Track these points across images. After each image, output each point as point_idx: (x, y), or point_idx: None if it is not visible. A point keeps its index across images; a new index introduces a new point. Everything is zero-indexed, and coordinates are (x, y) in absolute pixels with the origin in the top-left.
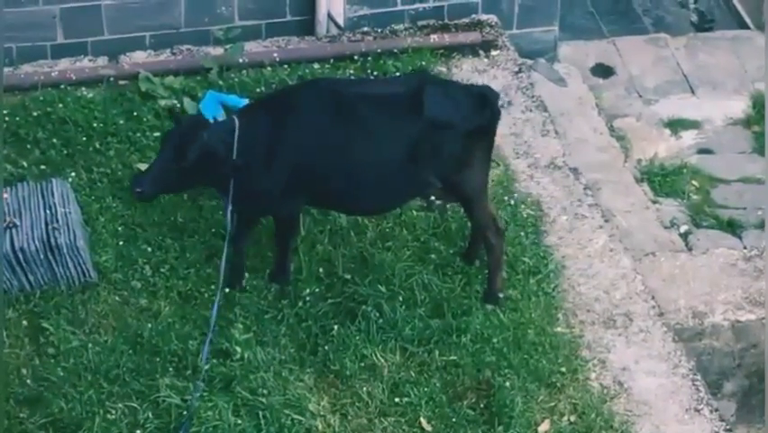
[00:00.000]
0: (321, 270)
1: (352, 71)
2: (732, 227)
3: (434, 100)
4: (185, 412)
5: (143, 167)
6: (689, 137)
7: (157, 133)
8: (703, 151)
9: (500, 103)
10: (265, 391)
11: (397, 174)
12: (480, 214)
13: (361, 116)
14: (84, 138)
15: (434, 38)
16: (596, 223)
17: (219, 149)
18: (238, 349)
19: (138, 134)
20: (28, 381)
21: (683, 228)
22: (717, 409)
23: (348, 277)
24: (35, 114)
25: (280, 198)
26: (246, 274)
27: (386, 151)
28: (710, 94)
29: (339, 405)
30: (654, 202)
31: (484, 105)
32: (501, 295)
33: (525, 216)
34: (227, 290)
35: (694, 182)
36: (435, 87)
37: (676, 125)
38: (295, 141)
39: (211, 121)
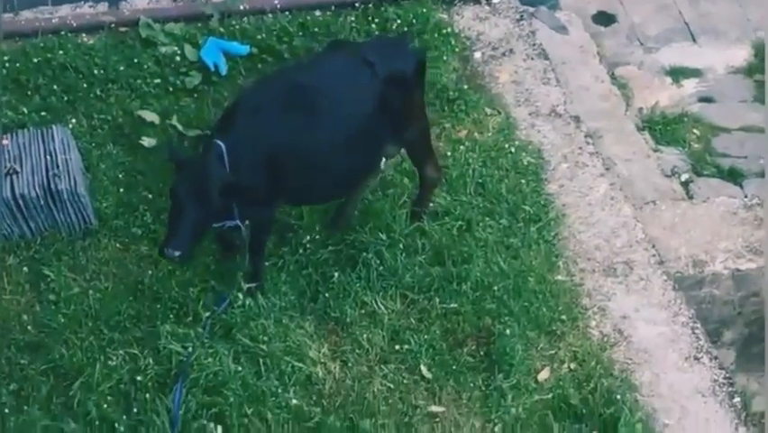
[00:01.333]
0: (321, 218)
1: (353, 19)
2: (733, 176)
3: (377, 57)
4: (185, 359)
5: (144, 114)
6: (690, 85)
7: (158, 80)
8: (704, 99)
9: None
10: (265, 339)
11: (367, 146)
12: (429, 156)
13: (323, 98)
14: (84, 85)
15: None
16: (597, 171)
17: (227, 179)
18: (239, 296)
19: (138, 81)
20: (29, 327)
21: (684, 177)
22: (716, 358)
23: None
24: (36, 60)
25: (264, 201)
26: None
27: (354, 124)
28: (712, 42)
29: (339, 352)
30: (655, 150)
31: (406, 50)
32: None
33: (525, 163)
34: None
35: (695, 131)
36: (371, 48)
37: (677, 74)
38: (270, 142)
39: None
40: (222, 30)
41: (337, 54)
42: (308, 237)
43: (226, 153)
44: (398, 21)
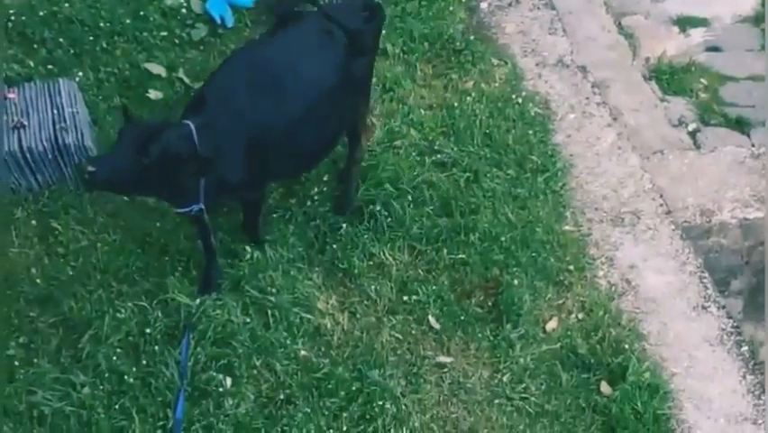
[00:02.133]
0: (329, 169)
1: None
2: (740, 125)
3: (341, 17)
4: (193, 312)
5: (151, 66)
6: (697, 35)
7: (164, 33)
8: (712, 48)
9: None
10: (273, 290)
11: (338, 104)
12: (366, 115)
13: (290, 70)
14: (91, 38)
15: None
16: (604, 121)
17: (182, 149)
18: (247, 249)
19: (145, 34)
20: (38, 280)
21: (691, 126)
22: (724, 307)
23: None
24: (41, 13)
25: (250, 181)
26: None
27: (323, 88)
28: None
29: (347, 303)
30: (663, 100)
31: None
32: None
33: (532, 114)
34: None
35: (702, 80)
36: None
37: (685, 23)
38: (246, 121)
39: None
40: None
41: (299, 24)
42: (316, 189)
43: (196, 134)
44: None
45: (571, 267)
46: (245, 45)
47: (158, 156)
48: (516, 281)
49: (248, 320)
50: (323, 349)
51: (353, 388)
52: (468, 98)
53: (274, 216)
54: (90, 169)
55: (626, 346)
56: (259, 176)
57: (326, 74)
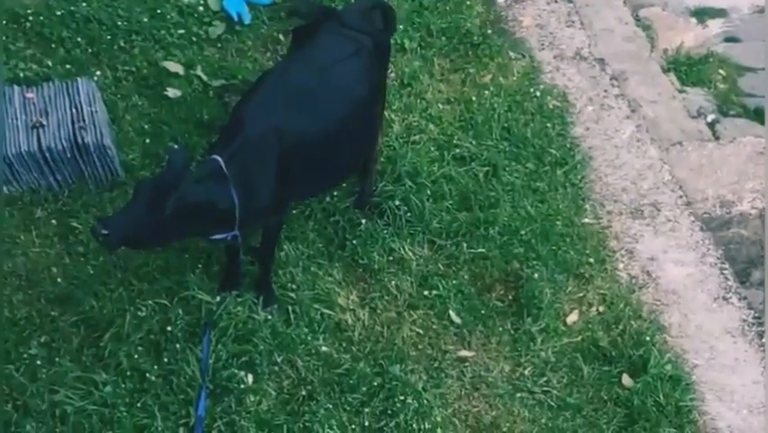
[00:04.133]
0: None
1: None
2: (759, 116)
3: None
4: (214, 309)
5: (169, 65)
6: (715, 26)
7: (181, 30)
8: (730, 39)
9: None
10: (294, 286)
11: (365, 120)
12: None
13: (324, 87)
14: (108, 36)
15: None
16: (622, 113)
17: (200, 199)
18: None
19: (162, 32)
20: (59, 279)
21: (710, 117)
22: (745, 298)
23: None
24: (59, 13)
25: (279, 203)
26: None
27: (352, 108)
28: None
29: (368, 299)
30: (681, 91)
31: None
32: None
33: (551, 107)
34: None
35: (721, 71)
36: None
37: (702, 14)
38: (280, 141)
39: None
40: None
41: (320, 36)
42: None
43: (225, 167)
44: None
45: (592, 260)
46: (273, 69)
47: (175, 210)
48: (536, 275)
49: (269, 317)
50: (344, 345)
51: (375, 383)
52: (486, 92)
53: (294, 212)
54: (103, 232)
55: (647, 339)
56: (288, 197)
57: (355, 85)
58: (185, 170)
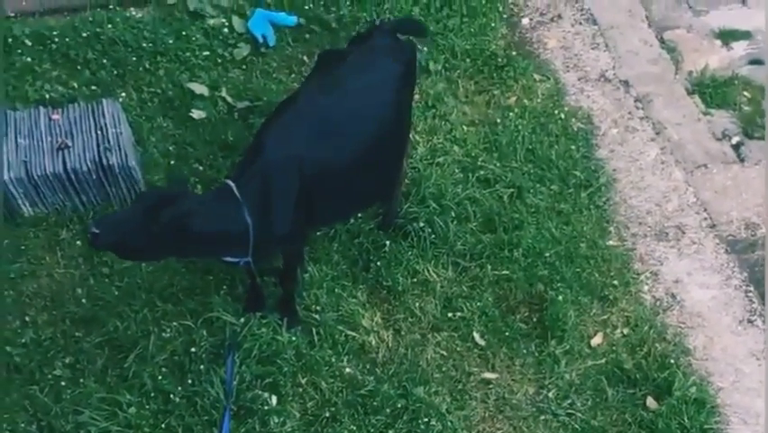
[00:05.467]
0: None
1: None
2: None
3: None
4: (239, 330)
5: (194, 86)
6: (740, 48)
7: (206, 52)
8: (754, 61)
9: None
10: (318, 308)
11: (390, 146)
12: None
13: (351, 112)
14: (134, 58)
15: None
16: (647, 135)
17: (195, 220)
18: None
19: (187, 53)
20: (83, 300)
21: (735, 139)
22: None
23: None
24: (85, 34)
25: (299, 230)
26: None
27: (378, 133)
28: (761, 3)
29: (392, 320)
30: (706, 114)
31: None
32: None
33: (575, 129)
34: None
35: (745, 93)
36: (382, 39)
37: (727, 36)
38: (303, 167)
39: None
40: (269, 1)
41: (346, 62)
42: None
43: (238, 191)
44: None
45: (616, 282)
46: (296, 92)
47: (167, 224)
48: (560, 297)
49: (293, 338)
50: (368, 366)
51: (399, 405)
52: (510, 114)
53: (318, 234)
54: (93, 230)
55: (672, 361)
56: (310, 224)
57: (382, 111)
58: (188, 191)
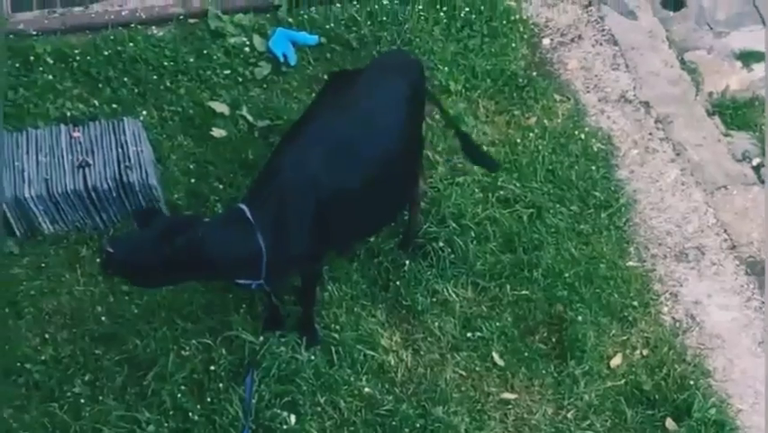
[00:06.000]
0: None
1: (420, 7)
2: None
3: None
4: (258, 349)
5: (214, 105)
6: (760, 69)
7: (227, 71)
8: None
9: (566, 38)
10: (337, 327)
11: (405, 166)
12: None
13: (366, 133)
14: (155, 77)
15: None
16: (667, 156)
17: (206, 250)
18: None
19: (208, 72)
20: (103, 318)
21: (755, 161)
22: None
23: None
24: (106, 53)
25: (315, 252)
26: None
27: (390, 154)
28: None
29: (411, 340)
30: (726, 135)
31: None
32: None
33: (595, 150)
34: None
35: (766, 114)
36: (383, 69)
37: (748, 58)
38: (318, 190)
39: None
40: (290, 20)
41: (358, 82)
42: None
43: (251, 214)
44: (467, 8)
45: (636, 303)
46: (308, 114)
47: (181, 247)
48: (579, 318)
49: (312, 357)
50: (387, 386)
51: (418, 425)
52: (530, 134)
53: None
54: (108, 249)
55: (692, 383)
56: (325, 247)
57: (395, 132)
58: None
